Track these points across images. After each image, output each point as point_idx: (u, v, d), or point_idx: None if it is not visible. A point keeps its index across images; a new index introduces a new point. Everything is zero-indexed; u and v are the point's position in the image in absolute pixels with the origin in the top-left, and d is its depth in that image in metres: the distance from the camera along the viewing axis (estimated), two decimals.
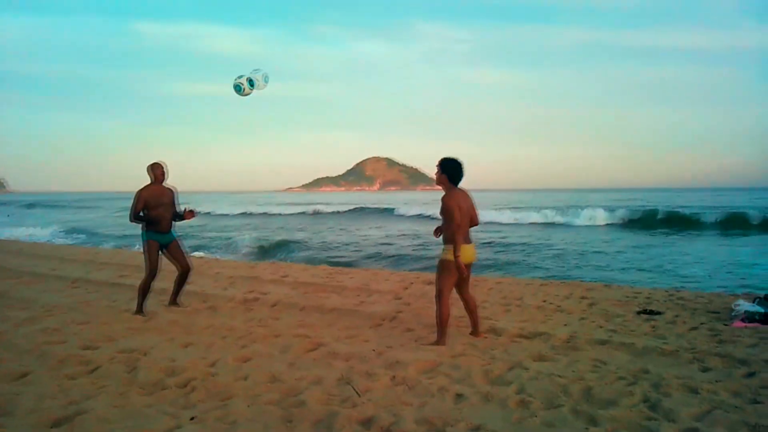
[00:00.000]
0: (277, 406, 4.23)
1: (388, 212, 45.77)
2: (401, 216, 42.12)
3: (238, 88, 6.98)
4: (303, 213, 48.31)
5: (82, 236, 27.02)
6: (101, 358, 5.30)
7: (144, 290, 7.56)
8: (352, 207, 50.56)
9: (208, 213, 45.45)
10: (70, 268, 12.56)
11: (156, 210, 7.42)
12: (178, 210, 7.76)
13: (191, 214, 7.84)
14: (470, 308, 6.34)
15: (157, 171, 7.51)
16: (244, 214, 49.00)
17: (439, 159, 5.98)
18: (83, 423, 3.83)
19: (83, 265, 13.08)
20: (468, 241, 5.94)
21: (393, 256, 18.73)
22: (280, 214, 48.47)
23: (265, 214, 49.04)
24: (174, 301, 8.12)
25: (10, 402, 4.18)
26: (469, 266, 6.05)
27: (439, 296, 5.94)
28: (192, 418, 3.96)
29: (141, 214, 7.39)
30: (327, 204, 57.40)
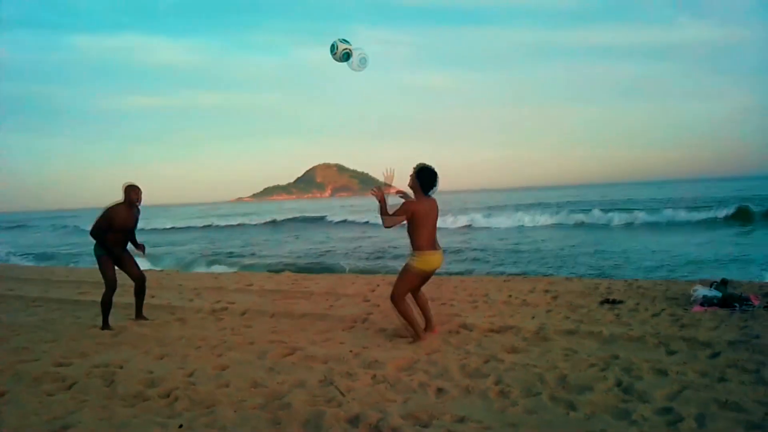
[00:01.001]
0: (263, 410, 4.27)
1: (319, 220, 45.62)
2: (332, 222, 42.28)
3: (346, 57, 6.18)
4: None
5: (30, 256, 26.28)
6: (77, 374, 5.24)
7: (106, 305, 7.45)
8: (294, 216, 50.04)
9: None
10: (27, 287, 12.27)
11: (118, 234, 7.35)
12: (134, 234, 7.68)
13: (143, 249, 7.73)
14: (420, 303, 6.43)
15: (132, 195, 7.35)
16: (173, 228, 47.13)
17: (416, 165, 6.02)
18: None
19: (40, 284, 12.79)
20: (436, 247, 6.05)
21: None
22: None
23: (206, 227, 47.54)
24: (140, 315, 8.02)
25: None
26: (432, 272, 6.18)
27: (394, 298, 6.06)
28: (180, 426, 3.98)
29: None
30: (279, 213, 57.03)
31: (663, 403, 4.13)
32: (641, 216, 28.16)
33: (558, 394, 4.34)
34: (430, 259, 5.99)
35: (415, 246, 5.96)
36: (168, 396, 4.61)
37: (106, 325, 7.44)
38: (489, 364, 5.16)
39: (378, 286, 10.33)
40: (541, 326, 6.52)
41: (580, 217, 30.31)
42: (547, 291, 9.16)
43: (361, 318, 7.42)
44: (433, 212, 6.04)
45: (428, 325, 6.42)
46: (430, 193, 6.04)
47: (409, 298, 6.20)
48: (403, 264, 6.16)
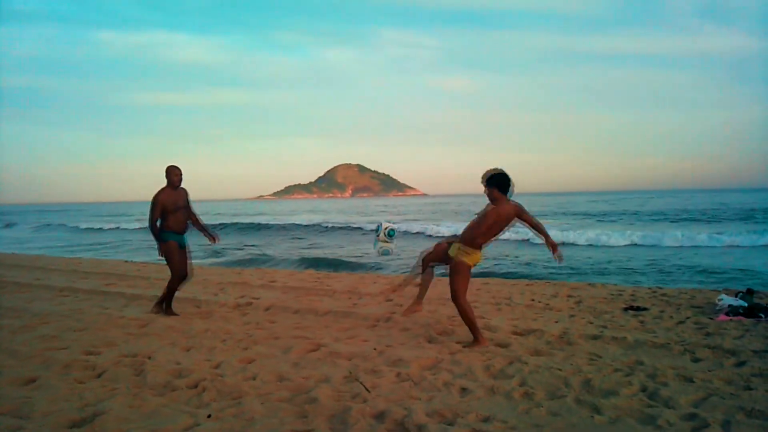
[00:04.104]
0: (290, 403, 4.33)
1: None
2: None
3: (386, 253, 7.12)
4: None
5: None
6: (106, 363, 5.34)
7: (172, 292, 7.81)
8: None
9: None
10: (54, 277, 12.47)
11: (174, 214, 7.58)
12: (192, 210, 7.88)
13: (215, 240, 8.08)
14: (426, 279, 6.69)
15: (173, 175, 7.60)
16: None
17: (484, 176, 5.92)
18: (103, 423, 3.89)
19: (67, 275, 12.99)
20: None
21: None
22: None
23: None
24: (159, 305, 8.09)
25: (24, 405, 4.23)
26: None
27: (456, 298, 5.96)
28: (209, 416, 4.04)
29: (158, 221, 7.56)
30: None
31: (688, 409, 4.12)
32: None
33: (583, 398, 4.35)
34: (478, 258, 6.03)
35: (477, 244, 5.93)
36: (196, 386, 4.68)
37: (170, 311, 7.86)
38: (513, 366, 5.18)
39: (400, 286, 10.36)
40: (565, 330, 6.53)
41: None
42: (570, 296, 9.15)
43: (384, 317, 7.45)
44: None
45: (418, 301, 6.86)
46: (508, 194, 5.96)
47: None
48: (455, 262, 6.03)
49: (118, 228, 44.78)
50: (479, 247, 5.98)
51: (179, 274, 7.66)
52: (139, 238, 32.69)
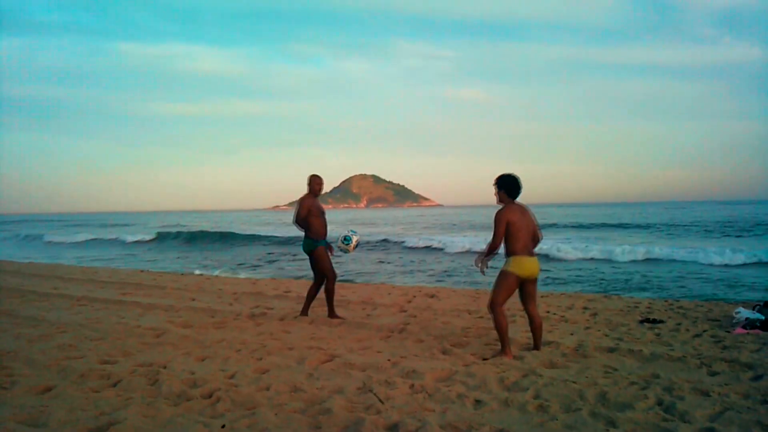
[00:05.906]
0: (303, 414, 4.33)
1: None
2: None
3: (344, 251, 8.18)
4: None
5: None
6: (122, 372, 5.38)
7: (331, 294, 8.22)
8: None
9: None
10: (72, 286, 12.58)
11: (318, 219, 7.97)
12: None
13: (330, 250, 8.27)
14: (534, 326, 6.25)
15: (316, 184, 8.05)
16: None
17: (495, 177, 6.05)
18: None
19: (84, 284, 13.10)
20: (531, 254, 5.93)
21: None
22: None
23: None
24: (332, 312, 8.39)
25: (41, 414, 4.26)
26: (533, 281, 6.04)
27: (492, 306, 5.98)
28: (223, 426, 4.05)
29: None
30: None
31: (705, 423, 4.08)
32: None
33: (598, 411, 4.31)
34: (524, 264, 5.85)
35: (509, 251, 5.88)
36: (210, 396, 4.70)
37: (305, 312, 8.39)
38: (527, 378, 5.15)
39: (414, 297, 10.38)
40: (580, 343, 6.49)
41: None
42: (585, 308, 9.10)
43: (398, 328, 7.45)
44: (526, 217, 5.94)
45: (536, 347, 6.31)
46: (516, 198, 6.02)
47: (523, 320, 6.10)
48: (498, 272, 6.06)
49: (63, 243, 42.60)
50: (512, 254, 5.87)
51: (333, 275, 8.08)
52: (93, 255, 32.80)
